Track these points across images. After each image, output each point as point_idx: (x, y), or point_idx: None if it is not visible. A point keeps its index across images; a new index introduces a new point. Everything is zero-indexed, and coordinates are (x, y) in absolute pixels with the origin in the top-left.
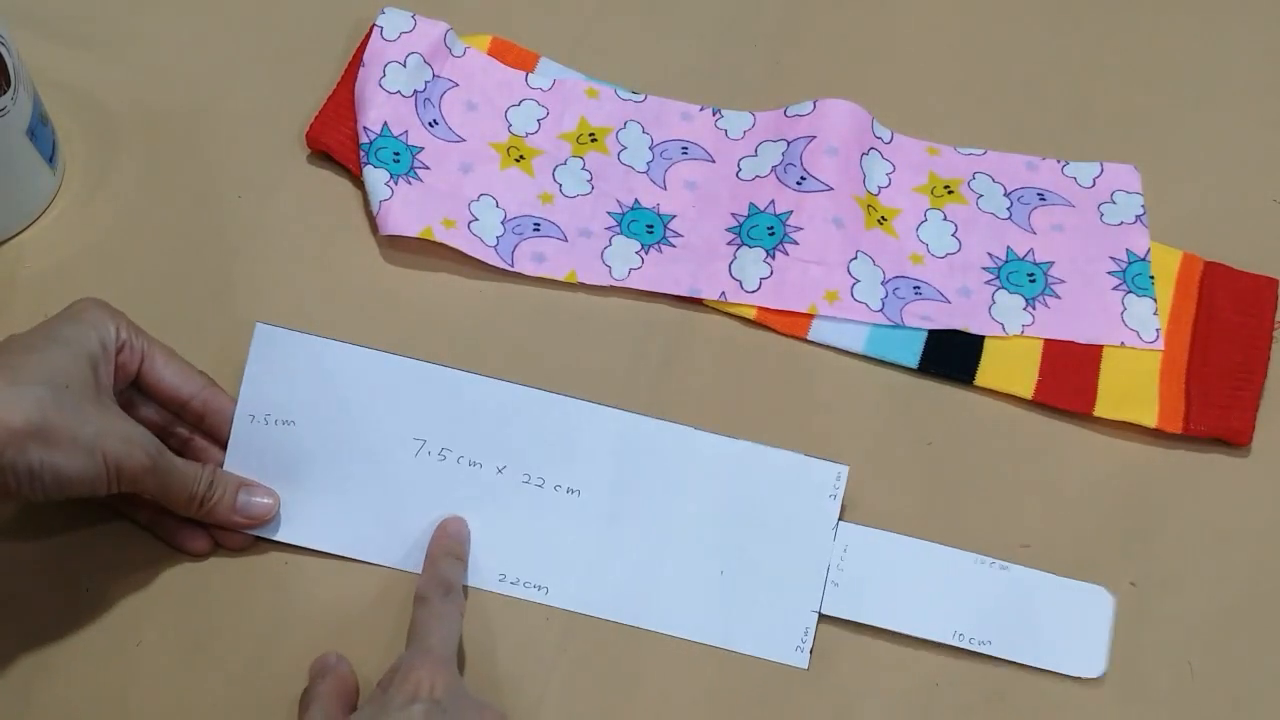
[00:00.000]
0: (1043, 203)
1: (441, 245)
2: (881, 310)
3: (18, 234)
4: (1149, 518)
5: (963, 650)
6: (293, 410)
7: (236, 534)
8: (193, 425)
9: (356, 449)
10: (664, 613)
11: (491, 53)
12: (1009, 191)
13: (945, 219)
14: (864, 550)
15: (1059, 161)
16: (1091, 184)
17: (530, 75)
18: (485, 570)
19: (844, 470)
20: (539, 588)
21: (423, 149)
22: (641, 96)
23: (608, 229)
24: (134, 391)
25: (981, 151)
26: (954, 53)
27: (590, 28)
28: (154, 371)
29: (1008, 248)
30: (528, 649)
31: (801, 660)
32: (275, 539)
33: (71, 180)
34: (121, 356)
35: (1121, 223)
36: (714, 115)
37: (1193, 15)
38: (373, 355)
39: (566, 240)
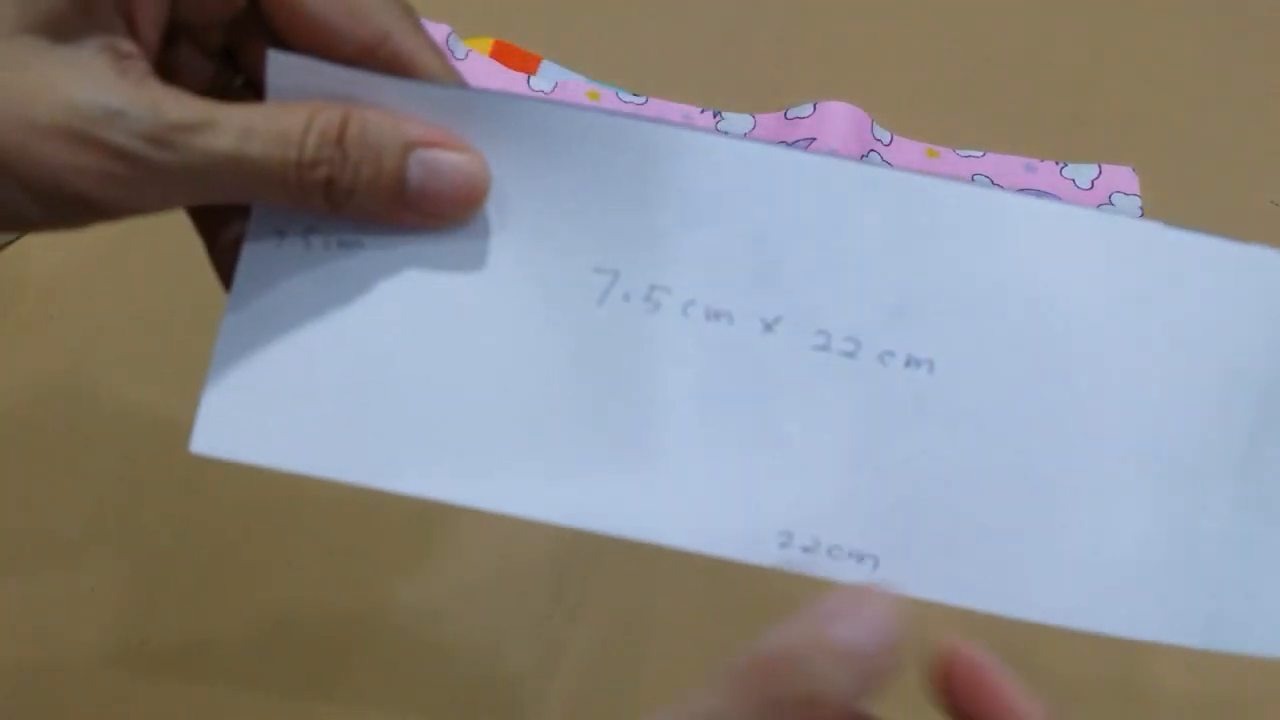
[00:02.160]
0: None
1: None
2: None
3: (23, 235)
4: None
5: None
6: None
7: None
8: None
9: (480, 293)
10: (1109, 599)
11: (494, 55)
12: None
13: None
14: None
15: (1057, 163)
16: (1090, 186)
17: (532, 78)
18: (756, 528)
19: None
20: (859, 558)
21: None
22: (643, 99)
23: None
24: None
25: (980, 153)
26: (953, 55)
27: (592, 30)
28: None
29: None
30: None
31: None
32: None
33: None
34: None
35: None
36: (715, 117)
37: (1191, 17)
38: (509, 101)
39: None
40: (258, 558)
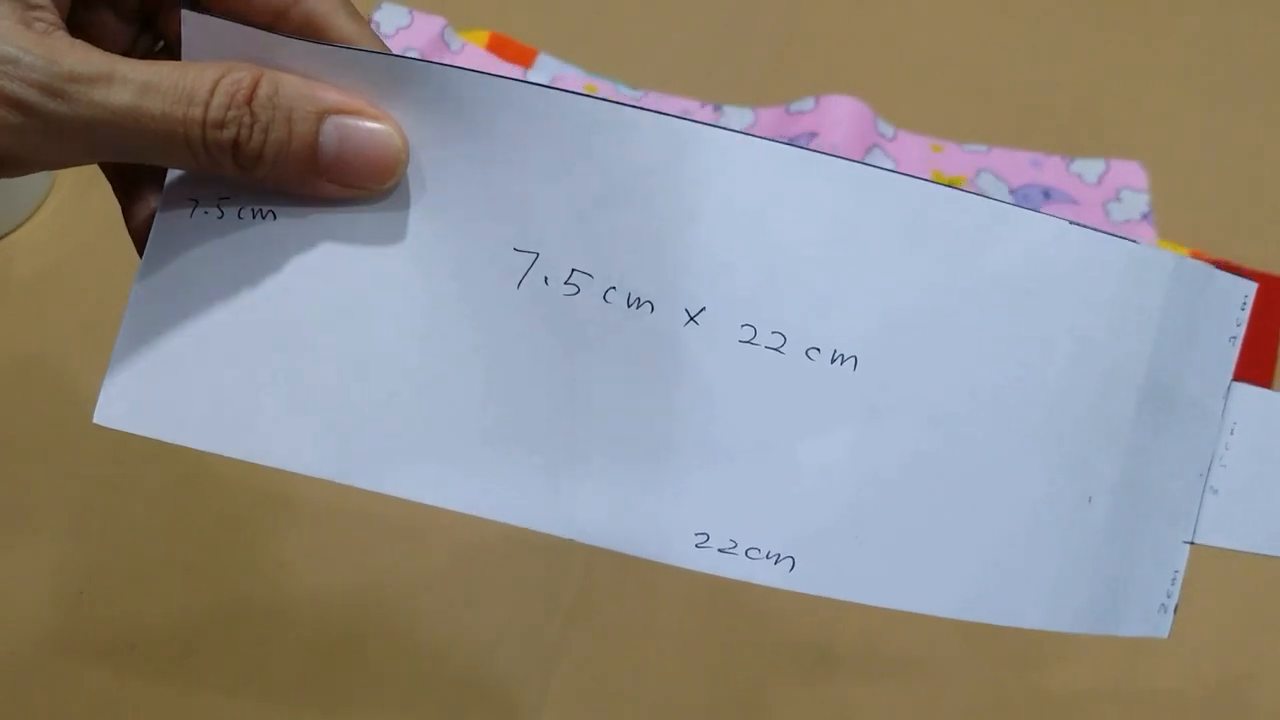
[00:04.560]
0: (1048, 200)
1: None
2: None
3: (10, 233)
4: None
5: (967, 648)
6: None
7: None
8: None
9: (396, 269)
10: (1001, 587)
11: (490, 48)
12: (1013, 189)
13: None
14: (1264, 430)
15: (1064, 158)
16: (1097, 181)
17: (528, 71)
18: (671, 526)
19: (1252, 289)
20: (776, 559)
21: None
22: (641, 92)
23: None
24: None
25: (986, 148)
26: (958, 48)
27: (589, 22)
28: None
29: None
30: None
31: (1164, 625)
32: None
33: (64, 179)
34: None
35: (1128, 220)
36: (715, 111)
37: (1201, 10)
38: (429, 69)
39: None
40: (247, 560)
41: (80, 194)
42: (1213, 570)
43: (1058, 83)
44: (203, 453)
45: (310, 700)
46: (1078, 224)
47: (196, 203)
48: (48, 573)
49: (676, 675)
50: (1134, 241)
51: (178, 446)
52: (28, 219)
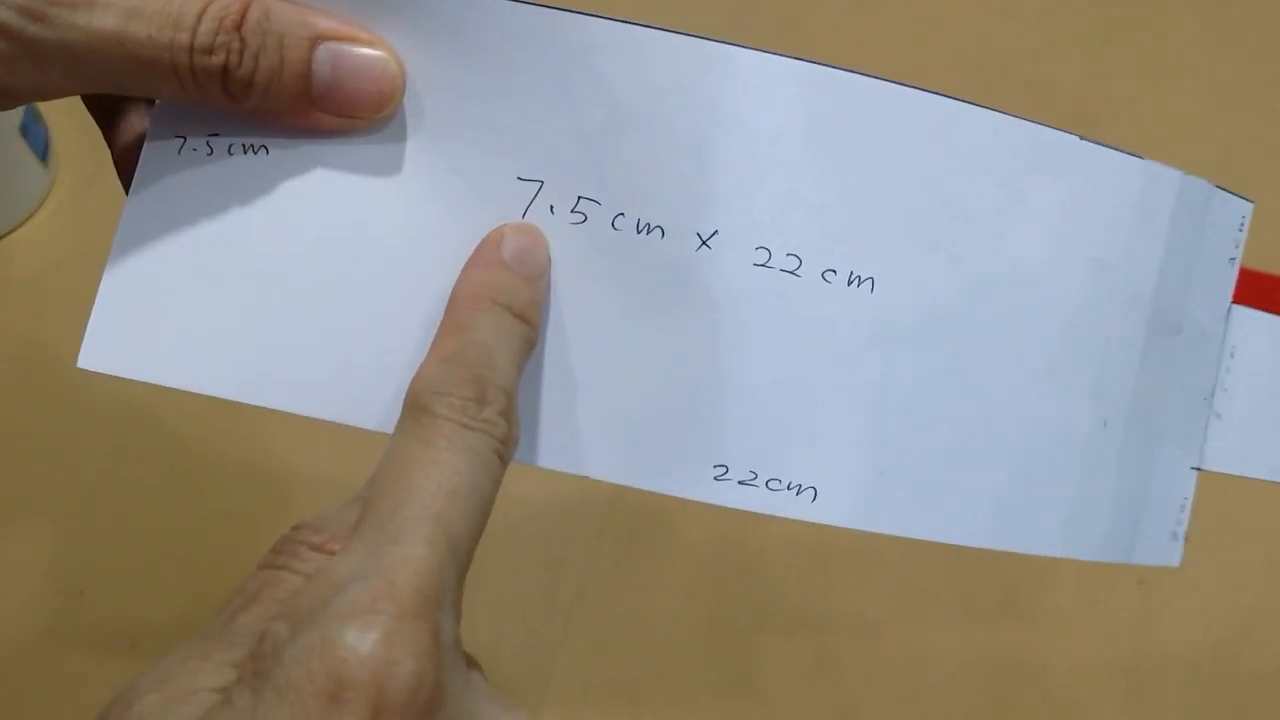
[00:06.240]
0: None
1: None
2: None
3: (9, 233)
4: None
5: (968, 643)
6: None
7: None
8: None
9: (393, 203)
10: (1023, 514)
11: None
12: None
13: None
14: (1265, 353)
15: None
16: None
17: None
18: (688, 459)
19: (1249, 209)
20: (798, 489)
21: None
22: None
23: None
24: None
25: None
26: (958, 47)
27: None
28: None
29: None
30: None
31: (1175, 553)
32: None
33: (64, 178)
34: None
35: None
36: None
37: (1201, 10)
38: None
39: None
40: (247, 558)
41: (80, 194)
42: (1213, 547)
43: (1057, 82)
44: (200, 449)
45: None
46: (1088, 140)
47: (184, 140)
48: (48, 571)
49: (677, 674)
50: (1141, 157)
51: (175, 442)
52: (28, 219)
